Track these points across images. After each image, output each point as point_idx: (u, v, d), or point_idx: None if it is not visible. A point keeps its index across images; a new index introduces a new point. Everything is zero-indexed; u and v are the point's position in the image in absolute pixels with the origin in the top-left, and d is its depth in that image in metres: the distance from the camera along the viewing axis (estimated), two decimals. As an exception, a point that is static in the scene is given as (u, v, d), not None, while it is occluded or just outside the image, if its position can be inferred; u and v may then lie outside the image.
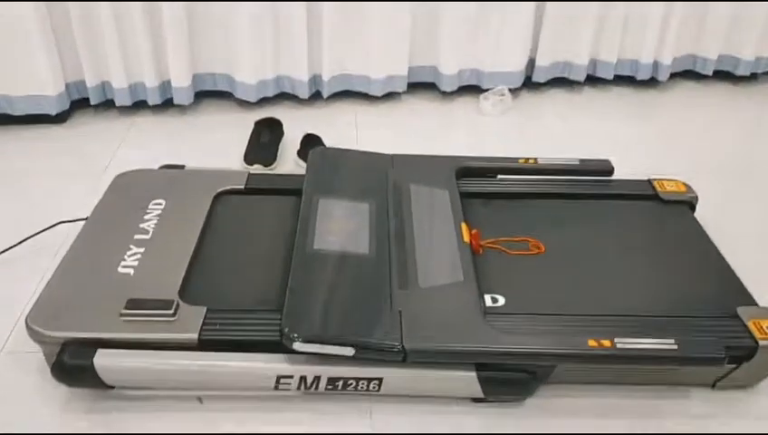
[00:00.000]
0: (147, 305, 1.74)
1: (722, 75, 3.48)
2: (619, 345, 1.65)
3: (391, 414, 1.72)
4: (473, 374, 1.67)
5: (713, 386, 1.80)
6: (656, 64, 3.34)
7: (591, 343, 1.66)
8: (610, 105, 3.29)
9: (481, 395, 1.71)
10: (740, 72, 3.41)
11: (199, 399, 1.74)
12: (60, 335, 1.67)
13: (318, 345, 1.62)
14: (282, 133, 2.84)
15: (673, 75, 3.42)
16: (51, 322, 1.71)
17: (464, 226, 2.04)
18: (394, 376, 1.67)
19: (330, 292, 1.78)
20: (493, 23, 3.11)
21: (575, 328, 1.71)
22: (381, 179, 2.22)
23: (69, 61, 2.92)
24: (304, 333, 1.62)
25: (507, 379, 1.69)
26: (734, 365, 1.74)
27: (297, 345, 1.61)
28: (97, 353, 1.64)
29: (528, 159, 2.40)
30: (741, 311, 1.79)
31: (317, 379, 1.66)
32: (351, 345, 1.62)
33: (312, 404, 1.74)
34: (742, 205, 2.57)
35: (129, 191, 2.22)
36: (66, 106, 2.96)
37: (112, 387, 1.70)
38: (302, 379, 1.66)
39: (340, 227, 2.01)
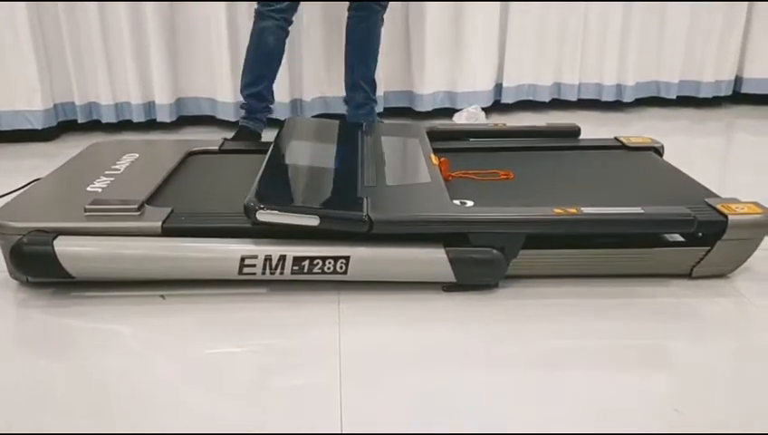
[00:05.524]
0: (112, 202, 1.74)
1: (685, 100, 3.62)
2: (585, 211, 1.64)
3: (360, 301, 1.66)
4: (441, 252, 1.64)
5: (690, 275, 1.76)
6: (619, 87, 3.49)
7: (557, 211, 1.65)
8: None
9: (452, 278, 1.66)
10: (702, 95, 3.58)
11: (162, 296, 1.69)
12: (20, 226, 1.65)
13: (282, 214, 1.60)
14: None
15: (639, 101, 3.56)
16: (13, 215, 1.70)
17: (432, 155, 2.07)
18: (361, 255, 1.64)
19: (297, 185, 1.80)
20: (461, 46, 3.30)
21: (542, 206, 1.70)
22: (354, 133, 2.28)
23: (58, 84, 3.06)
24: (268, 202, 1.61)
25: (477, 257, 1.66)
26: (707, 247, 1.72)
27: (260, 214, 1.59)
28: (57, 239, 1.62)
29: (497, 123, 2.47)
30: (709, 200, 1.79)
31: (282, 259, 1.62)
32: (316, 214, 1.60)
33: (280, 295, 1.69)
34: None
35: (102, 148, 2.27)
36: (53, 123, 3.05)
37: (73, 278, 1.65)
38: (267, 259, 1.62)
39: (310, 151, 2.05)
